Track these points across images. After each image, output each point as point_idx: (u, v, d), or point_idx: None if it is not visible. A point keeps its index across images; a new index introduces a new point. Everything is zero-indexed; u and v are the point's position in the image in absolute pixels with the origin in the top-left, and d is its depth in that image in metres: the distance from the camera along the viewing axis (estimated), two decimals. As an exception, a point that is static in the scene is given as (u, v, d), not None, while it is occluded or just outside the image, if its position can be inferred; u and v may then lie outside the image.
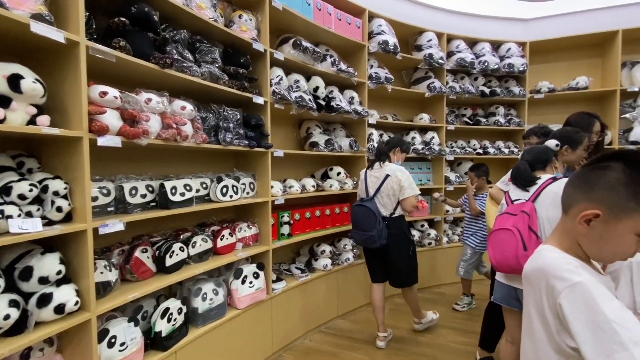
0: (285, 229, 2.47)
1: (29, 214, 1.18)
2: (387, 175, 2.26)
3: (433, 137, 3.50)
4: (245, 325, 2.05)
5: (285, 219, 2.47)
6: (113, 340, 1.39)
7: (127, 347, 1.43)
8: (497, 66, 3.58)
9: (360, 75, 2.96)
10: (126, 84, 1.63)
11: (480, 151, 3.77)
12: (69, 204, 1.28)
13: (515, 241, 1.34)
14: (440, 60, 3.39)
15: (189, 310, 1.80)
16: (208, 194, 1.97)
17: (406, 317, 2.73)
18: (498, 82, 3.85)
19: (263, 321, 2.19)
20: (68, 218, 1.30)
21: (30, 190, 1.18)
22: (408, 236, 2.35)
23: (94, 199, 1.41)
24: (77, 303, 1.24)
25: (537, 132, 2.28)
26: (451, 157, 3.57)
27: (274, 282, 2.30)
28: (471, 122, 3.80)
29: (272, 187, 2.31)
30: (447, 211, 3.62)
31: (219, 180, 1.98)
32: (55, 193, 1.24)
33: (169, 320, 1.62)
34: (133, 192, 1.58)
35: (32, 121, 1.17)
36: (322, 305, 2.69)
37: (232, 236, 2.10)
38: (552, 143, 1.61)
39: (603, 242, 0.71)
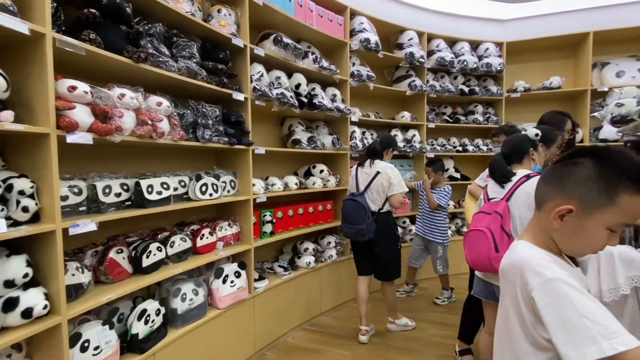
0: (268, 227, 2.45)
1: (-8, 215, 1.12)
2: (378, 173, 2.35)
3: (414, 135, 3.55)
4: (227, 325, 2.02)
5: (268, 217, 2.45)
6: (86, 344, 1.34)
7: (101, 350, 1.38)
8: (475, 65, 3.66)
9: (342, 72, 2.97)
10: (99, 79, 1.58)
11: (460, 149, 3.86)
12: (36, 204, 1.22)
13: (488, 243, 1.36)
14: (421, 59, 3.44)
15: (168, 311, 1.76)
16: (187, 193, 1.93)
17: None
18: (477, 81, 3.94)
19: (245, 320, 2.17)
20: (35, 218, 1.24)
21: (-7, 190, 1.12)
22: (394, 231, 2.44)
23: (64, 198, 1.35)
24: (46, 307, 1.19)
25: (506, 131, 2.35)
26: (432, 155, 3.63)
27: (256, 280, 2.29)
28: (451, 120, 3.88)
29: (253, 185, 2.28)
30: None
31: (198, 178, 1.94)
32: (21, 192, 1.18)
33: (146, 322, 1.57)
34: (107, 190, 1.53)
35: (-6, 117, 1.11)
36: (306, 302, 2.69)
37: (212, 235, 2.07)
38: (532, 132, 1.56)
39: (576, 236, 0.72)
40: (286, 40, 2.40)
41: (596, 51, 3.58)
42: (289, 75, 2.59)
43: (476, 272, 1.65)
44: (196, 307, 1.85)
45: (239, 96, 2.11)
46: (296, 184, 2.67)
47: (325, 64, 2.73)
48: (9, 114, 1.14)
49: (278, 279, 2.47)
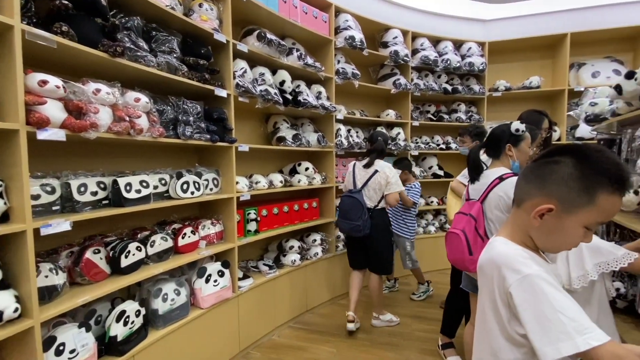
0: (252, 226, 2.43)
1: (-44, 215, 1.07)
2: (376, 171, 2.42)
3: (399, 133, 3.58)
4: (210, 325, 1.99)
5: (252, 215, 2.43)
6: (61, 347, 1.30)
7: (77, 354, 1.34)
8: (458, 64, 3.72)
9: (327, 70, 2.96)
10: (73, 74, 1.52)
11: (443, 146, 3.92)
12: (5, 203, 1.17)
13: (462, 246, 1.39)
14: (405, 58, 3.47)
15: (149, 312, 1.72)
16: (168, 191, 1.89)
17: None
18: (460, 80, 4.00)
19: (229, 320, 2.15)
20: (5, 218, 1.19)
21: (-43, 189, 1.06)
22: (389, 228, 2.55)
23: (36, 197, 1.30)
24: (16, 310, 1.14)
25: (471, 132, 2.40)
26: (416, 153, 3.68)
27: (240, 279, 2.26)
28: (435, 119, 3.93)
29: (237, 182, 2.25)
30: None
31: (179, 176, 1.90)
32: (-12, 191, 1.13)
33: (125, 324, 1.54)
34: (82, 189, 1.48)
35: (-43, 112, 1.06)
36: (291, 300, 2.68)
37: (194, 234, 2.03)
38: (514, 126, 1.48)
39: (553, 234, 0.73)
40: (270, 36, 2.37)
41: (573, 52, 3.69)
42: (273, 72, 2.56)
43: None
44: (178, 307, 1.81)
45: (222, 92, 2.08)
46: (281, 181, 2.65)
47: (310, 61, 2.71)
48: (-26, 109, 1.09)
49: (263, 277, 2.45)
